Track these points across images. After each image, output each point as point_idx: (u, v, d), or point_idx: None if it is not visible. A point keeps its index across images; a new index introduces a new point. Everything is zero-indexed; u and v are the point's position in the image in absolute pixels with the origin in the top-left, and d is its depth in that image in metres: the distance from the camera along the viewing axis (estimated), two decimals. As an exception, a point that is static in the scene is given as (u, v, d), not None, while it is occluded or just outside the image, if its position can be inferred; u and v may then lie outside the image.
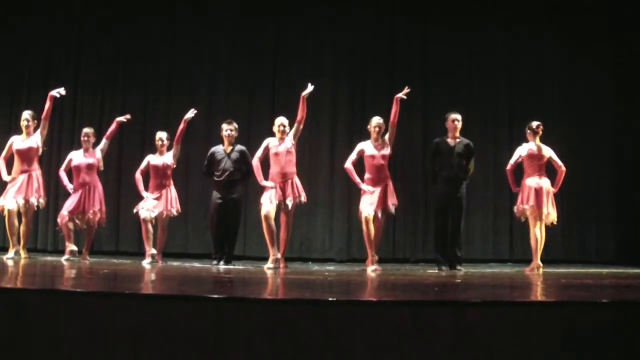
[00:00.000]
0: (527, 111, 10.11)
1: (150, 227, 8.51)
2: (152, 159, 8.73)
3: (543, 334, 4.06)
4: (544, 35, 10.44)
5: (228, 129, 8.56)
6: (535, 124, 8.42)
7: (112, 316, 4.08)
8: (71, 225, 8.58)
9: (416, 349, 3.94)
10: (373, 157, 8.04)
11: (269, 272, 7.42)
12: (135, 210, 8.62)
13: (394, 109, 8.02)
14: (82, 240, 8.91)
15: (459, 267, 8.10)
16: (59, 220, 8.67)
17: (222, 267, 8.13)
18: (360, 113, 9.76)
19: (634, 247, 9.89)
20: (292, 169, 8.22)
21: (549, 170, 8.32)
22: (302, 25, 10.52)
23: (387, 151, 8.07)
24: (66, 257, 8.47)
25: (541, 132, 8.37)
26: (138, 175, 8.73)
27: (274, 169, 8.17)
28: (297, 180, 8.23)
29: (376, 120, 8.17)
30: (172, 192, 8.69)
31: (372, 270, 7.77)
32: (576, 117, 10.21)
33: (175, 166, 8.72)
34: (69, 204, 8.61)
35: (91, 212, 8.58)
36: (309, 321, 4.02)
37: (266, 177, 8.19)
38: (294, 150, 8.22)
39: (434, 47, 10.53)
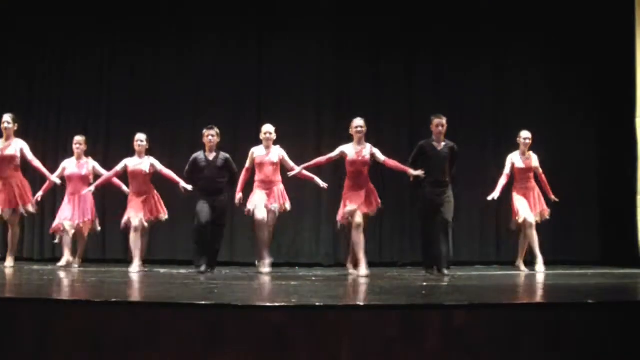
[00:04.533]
0: (512, 113, 10.18)
1: (139, 234, 8.30)
2: (130, 162, 8.48)
3: (530, 335, 4.08)
4: (529, 37, 10.44)
5: (209, 134, 8.33)
6: (523, 135, 8.65)
7: (100, 324, 4.07)
8: (67, 234, 8.55)
9: (404, 352, 3.96)
10: (353, 162, 7.98)
11: (263, 276, 7.61)
12: (124, 219, 8.39)
13: (398, 166, 8.06)
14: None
15: (446, 271, 7.87)
16: (53, 230, 8.67)
17: (209, 273, 7.98)
18: (346, 117, 9.67)
19: (617, 248, 9.96)
20: (278, 177, 8.35)
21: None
22: (286, 31, 10.45)
23: (368, 156, 7.98)
24: (62, 264, 8.47)
25: (529, 142, 8.65)
26: (115, 180, 8.64)
27: (260, 177, 8.29)
28: (281, 187, 8.36)
29: (357, 122, 8.07)
30: (155, 196, 8.52)
31: (363, 274, 7.58)
32: (559, 119, 10.23)
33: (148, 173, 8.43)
34: (63, 213, 8.63)
35: (82, 220, 8.62)
36: (297, 326, 4.03)
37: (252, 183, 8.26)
38: (279, 162, 8.33)
39: (420, 50, 10.49)
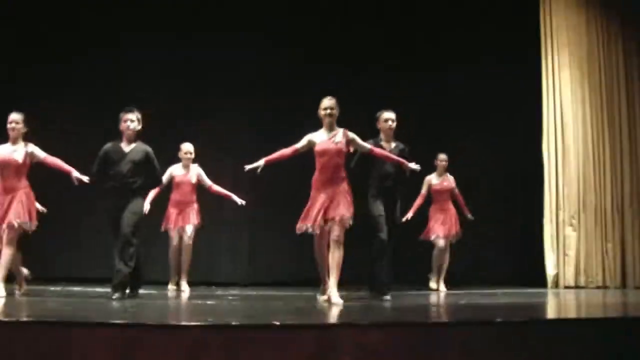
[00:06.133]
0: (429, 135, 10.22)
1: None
2: (1, 150, 6.71)
3: (442, 352, 4.19)
4: (435, 60, 10.51)
5: (127, 119, 6.57)
6: (440, 157, 8.97)
7: (10, 343, 3.97)
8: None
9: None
10: (324, 151, 6.37)
11: (171, 296, 7.56)
12: None
13: (390, 157, 6.74)
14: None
15: (386, 297, 6.81)
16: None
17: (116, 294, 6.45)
18: (265, 132, 9.52)
19: (526, 268, 10.29)
20: (193, 197, 8.38)
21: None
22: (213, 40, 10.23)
23: (342, 143, 6.38)
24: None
25: (446, 164, 8.99)
26: None
27: (175, 197, 8.34)
28: (196, 206, 8.38)
29: (327, 102, 6.44)
30: (25, 196, 6.67)
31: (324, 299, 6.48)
32: (472, 143, 10.39)
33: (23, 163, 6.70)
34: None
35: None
36: (214, 346, 4.02)
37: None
38: (197, 182, 8.33)
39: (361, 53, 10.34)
